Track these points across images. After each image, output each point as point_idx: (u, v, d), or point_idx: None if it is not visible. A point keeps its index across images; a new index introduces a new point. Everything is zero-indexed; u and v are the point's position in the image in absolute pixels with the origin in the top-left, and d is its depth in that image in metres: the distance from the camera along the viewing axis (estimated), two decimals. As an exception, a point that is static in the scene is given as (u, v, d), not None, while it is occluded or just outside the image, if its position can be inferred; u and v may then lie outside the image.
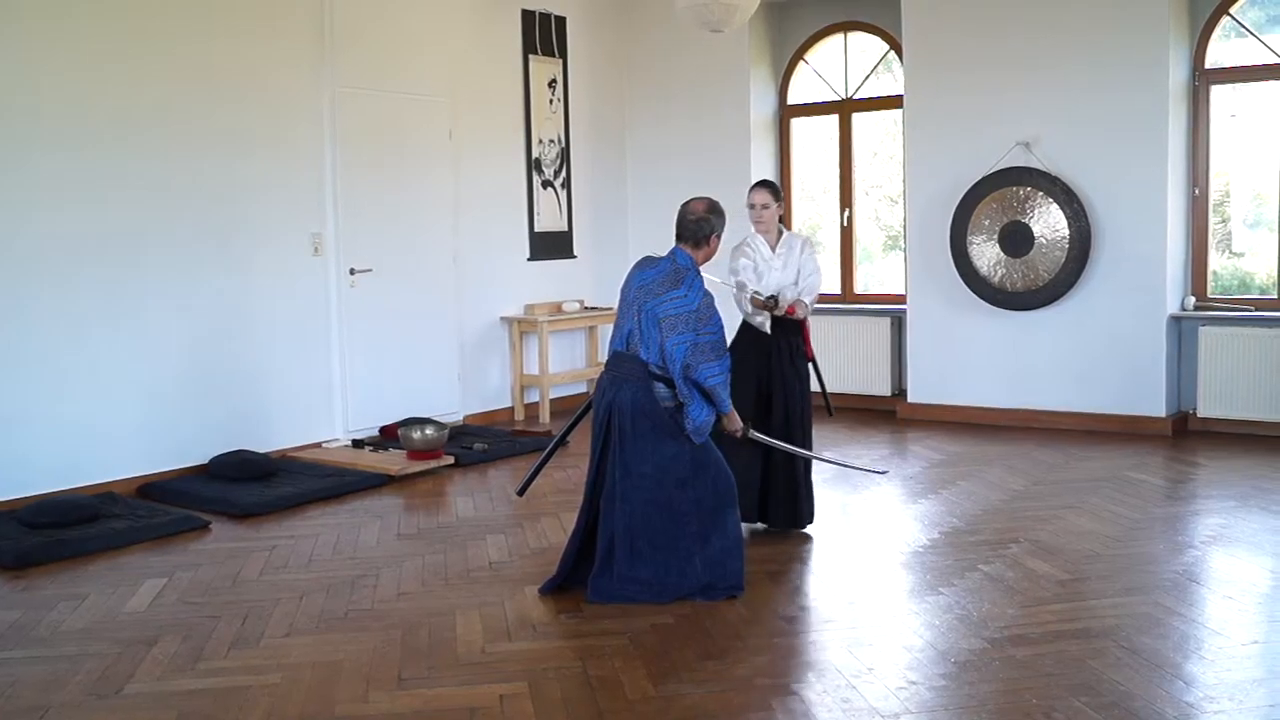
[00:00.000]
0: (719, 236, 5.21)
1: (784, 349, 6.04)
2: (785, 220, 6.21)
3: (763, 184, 6.19)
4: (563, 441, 5.66)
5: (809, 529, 6.13)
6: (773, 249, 6.11)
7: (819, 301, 6.50)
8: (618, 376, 5.09)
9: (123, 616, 5.03)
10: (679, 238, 5.21)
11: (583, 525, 5.21)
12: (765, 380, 6.02)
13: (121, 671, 4.38)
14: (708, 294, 5.04)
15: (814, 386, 6.22)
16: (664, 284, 5.03)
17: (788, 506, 6.05)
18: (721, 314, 5.10)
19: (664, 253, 5.26)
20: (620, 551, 5.03)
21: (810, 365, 6.22)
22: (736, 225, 6.04)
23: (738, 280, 6.06)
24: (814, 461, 6.23)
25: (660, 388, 5.02)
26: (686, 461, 5.04)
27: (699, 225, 5.18)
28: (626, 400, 5.03)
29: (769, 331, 6.03)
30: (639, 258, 5.41)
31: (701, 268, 5.22)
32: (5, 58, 6.65)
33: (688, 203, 5.27)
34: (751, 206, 6.14)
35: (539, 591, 5.19)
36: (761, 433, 5.79)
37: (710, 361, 4.95)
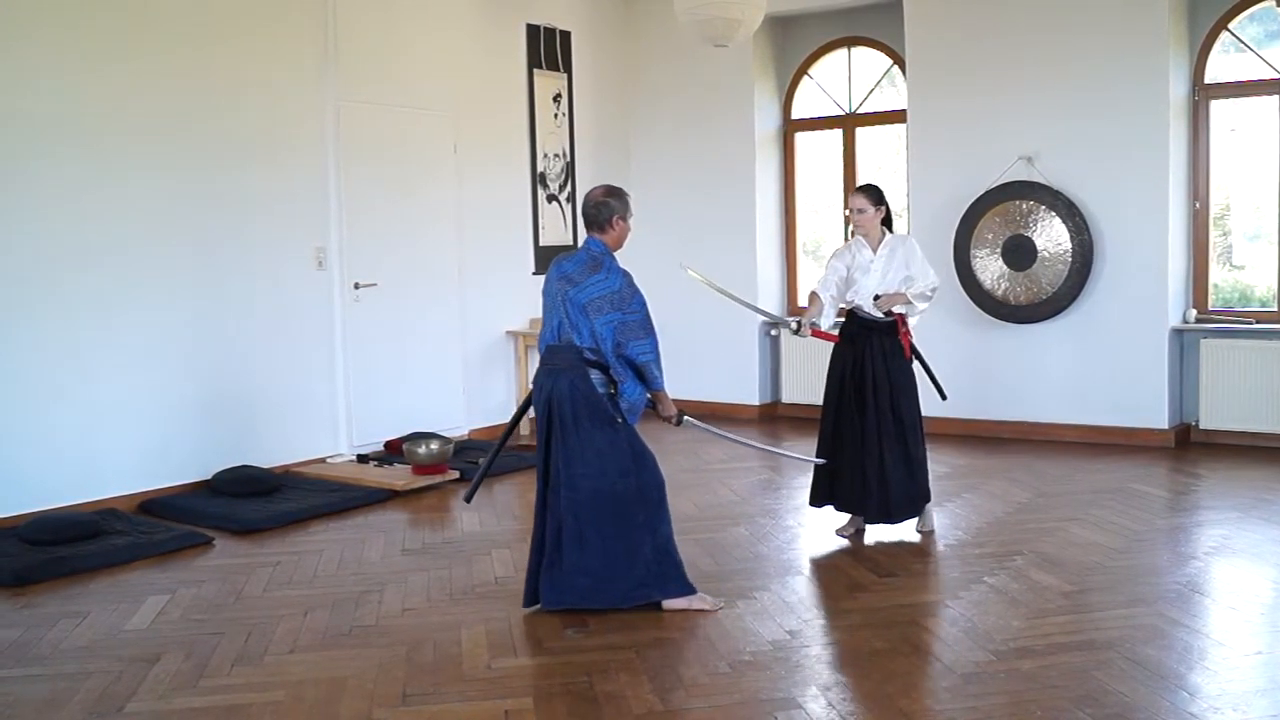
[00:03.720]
0: (623, 218, 5.20)
1: (877, 348, 6.15)
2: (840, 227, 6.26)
3: (860, 189, 6.32)
4: (504, 445, 5.54)
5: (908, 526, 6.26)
6: (874, 252, 6.21)
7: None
8: (554, 368, 5.10)
9: (124, 634, 5.02)
10: (587, 228, 5.24)
11: (540, 533, 5.19)
12: (857, 377, 6.17)
13: (123, 690, 4.38)
14: (627, 275, 5.08)
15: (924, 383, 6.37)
16: (584, 272, 5.06)
17: (878, 497, 6.13)
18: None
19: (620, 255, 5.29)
20: (568, 542, 5.06)
21: (916, 362, 6.35)
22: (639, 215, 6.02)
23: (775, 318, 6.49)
24: (924, 459, 6.30)
25: (595, 374, 5.04)
26: (626, 450, 5.08)
27: (598, 210, 5.17)
28: (564, 388, 5.05)
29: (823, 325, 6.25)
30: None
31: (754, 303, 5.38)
32: (8, 72, 6.68)
33: (588, 192, 5.27)
34: (850, 212, 6.30)
35: (524, 607, 5.17)
36: (857, 429, 6.04)
37: (639, 338, 5.01)
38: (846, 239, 6.38)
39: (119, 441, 7.17)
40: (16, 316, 6.71)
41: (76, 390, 6.96)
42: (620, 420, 5.08)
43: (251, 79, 7.85)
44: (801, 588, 5.46)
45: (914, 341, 6.34)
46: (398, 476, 7.75)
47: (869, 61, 10.11)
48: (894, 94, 9.97)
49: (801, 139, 10.52)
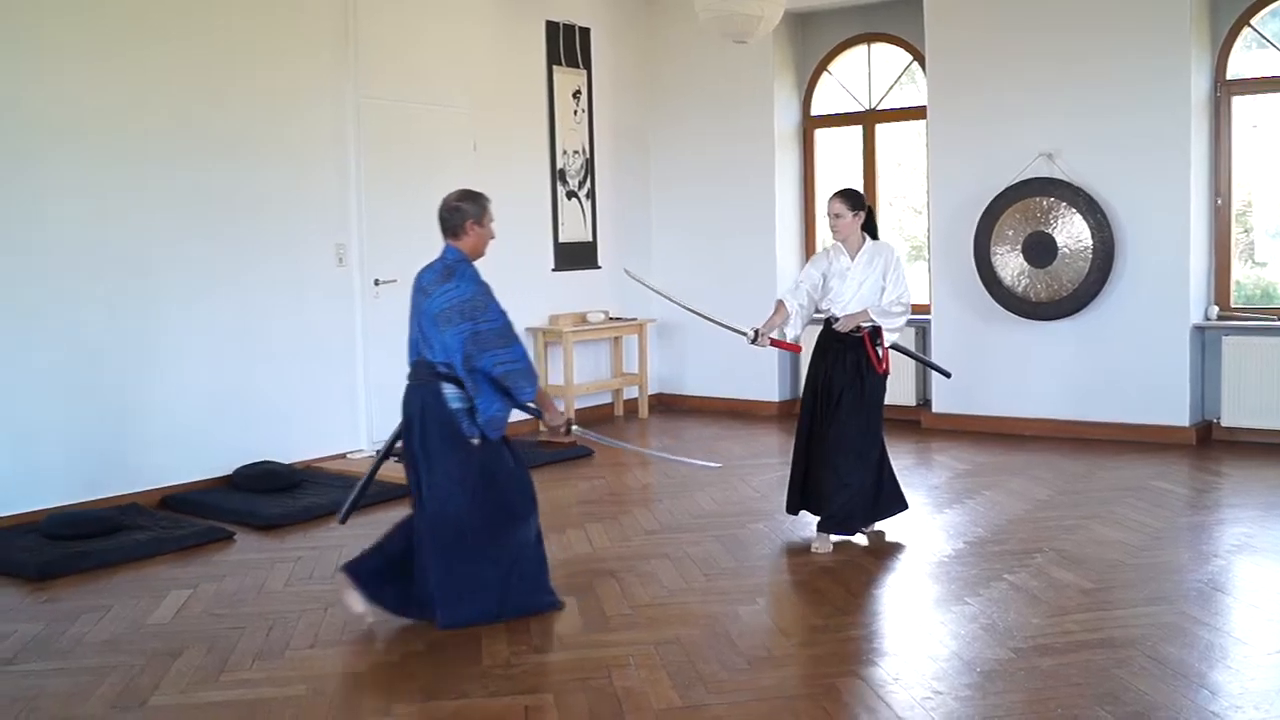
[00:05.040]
0: (478, 223, 5.03)
1: (850, 361, 6.03)
2: (862, 230, 6.10)
3: (838, 193, 6.15)
4: (382, 462, 5.39)
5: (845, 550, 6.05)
6: (852, 258, 6.08)
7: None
8: (412, 385, 5.00)
9: (146, 628, 5.05)
10: (442, 234, 5.08)
11: (402, 543, 5.07)
12: (826, 384, 6.06)
13: (145, 684, 4.40)
14: (482, 284, 4.92)
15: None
16: (436, 282, 4.92)
17: (832, 507, 6.02)
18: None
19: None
20: (416, 563, 4.95)
21: (910, 359, 6.25)
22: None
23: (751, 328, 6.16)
24: (876, 472, 6.14)
25: (449, 389, 4.88)
26: (475, 470, 4.90)
27: (450, 215, 5.03)
28: (416, 406, 4.94)
29: (798, 334, 6.15)
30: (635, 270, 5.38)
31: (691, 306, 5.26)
32: (30, 71, 6.72)
33: (445, 196, 5.11)
34: (828, 217, 6.16)
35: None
36: (821, 436, 5.95)
37: (496, 349, 4.82)
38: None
39: (141, 437, 7.21)
40: (39, 314, 6.75)
41: (98, 386, 7.00)
42: (478, 440, 4.89)
43: (272, 76, 7.88)
44: (822, 584, 5.45)
45: (888, 355, 6.17)
46: (418, 472, 7.76)
47: (889, 58, 10.09)
48: (914, 90, 9.95)
49: (821, 135, 10.50)
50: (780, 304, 6.17)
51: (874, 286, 6.03)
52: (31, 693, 4.34)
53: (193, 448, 7.45)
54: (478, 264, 5.08)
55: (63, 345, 6.85)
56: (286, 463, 7.80)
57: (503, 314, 4.91)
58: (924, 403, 9.64)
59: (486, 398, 4.86)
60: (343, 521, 5.38)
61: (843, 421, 6.01)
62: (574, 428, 5.31)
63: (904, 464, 7.97)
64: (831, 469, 6.01)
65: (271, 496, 7.19)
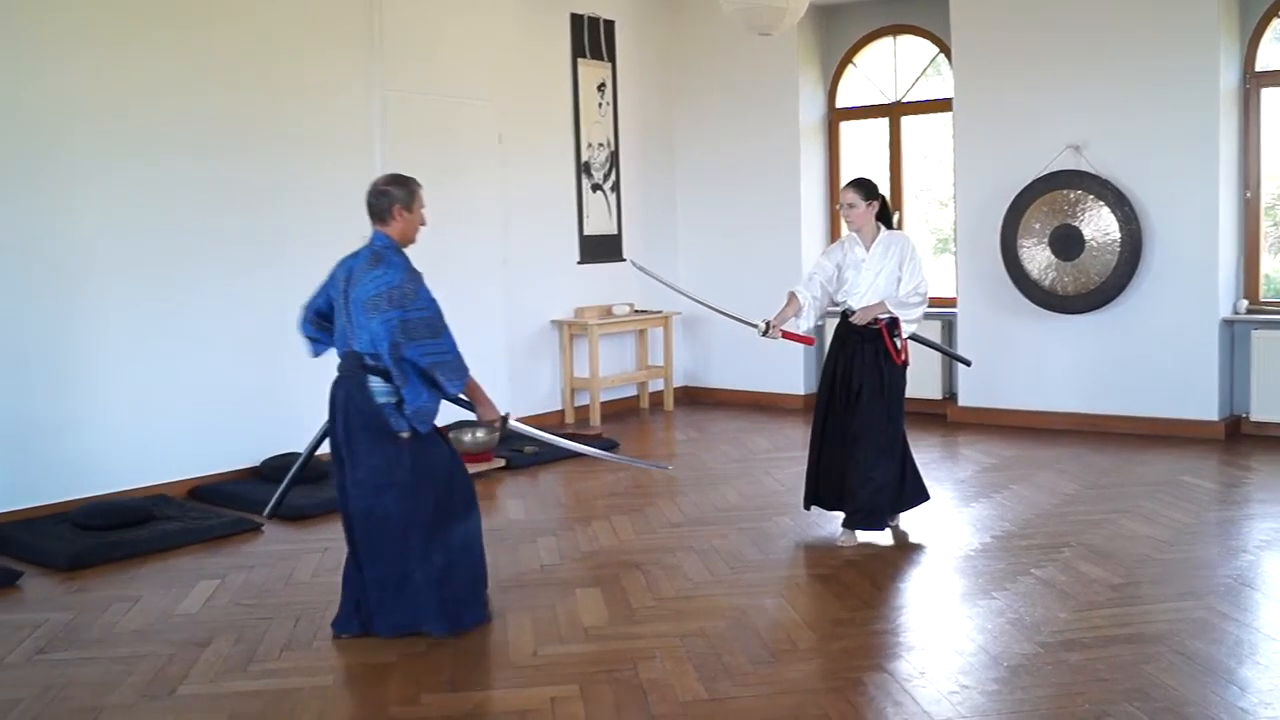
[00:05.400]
0: (406, 208, 4.80)
1: (869, 352, 5.98)
2: (881, 220, 6.06)
3: (851, 183, 6.08)
4: (310, 457, 5.26)
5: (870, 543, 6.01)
6: (867, 249, 6.01)
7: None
8: (339, 377, 4.80)
9: (176, 618, 5.09)
10: (370, 220, 4.87)
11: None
12: (845, 377, 6.01)
13: (174, 673, 4.44)
14: (412, 271, 4.71)
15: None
16: (364, 269, 4.70)
17: (857, 502, 5.98)
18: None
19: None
20: (351, 562, 4.81)
21: (929, 349, 6.23)
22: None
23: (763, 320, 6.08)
24: (899, 465, 6.09)
25: (376, 382, 4.67)
26: (405, 467, 4.69)
27: (377, 201, 4.81)
28: (341, 398, 4.75)
29: (811, 326, 6.13)
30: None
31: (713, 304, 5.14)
32: (56, 66, 6.76)
33: (373, 181, 4.92)
34: (840, 207, 6.10)
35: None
36: (841, 432, 5.89)
37: (425, 339, 4.61)
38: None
39: (170, 428, 7.25)
40: (69, 305, 6.80)
41: (129, 379, 7.04)
42: (407, 434, 4.67)
43: (298, 69, 7.90)
44: (847, 578, 5.44)
45: (907, 346, 6.11)
46: (443, 464, 7.78)
47: (915, 50, 10.06)
48: (940, 82, 9.91)
49: (847, 128, 10.47)
50: (792, 295, 6.11)
51: (890, 277, 5.97)
52: (62, 681, 4.38)
53: (221, 439, 7.49)
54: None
55: (94, 336, 6.89)
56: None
57: (433, 302, 4.70)
58: (950, 396, 9.61)
59: (414, 389, 4.64)
60: (269, 516, 5.29)
61: (863, 414, 5.97)
62: (510, 423, 5.07)
63: (930, 457, 7.97)
64: (854, 463, 5.98)
65: (299, 487, 7.18)
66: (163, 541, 6.19)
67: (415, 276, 4.71)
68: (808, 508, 6.25)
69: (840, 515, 6.13)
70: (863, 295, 5.99)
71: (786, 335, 6.17)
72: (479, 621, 4.84)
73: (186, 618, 5.09)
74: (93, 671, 4.47)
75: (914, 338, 6.21)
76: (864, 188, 6.01)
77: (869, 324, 5.98)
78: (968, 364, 6.78)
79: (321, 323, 4.99)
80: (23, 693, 4.28)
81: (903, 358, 6.06)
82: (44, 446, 6.72)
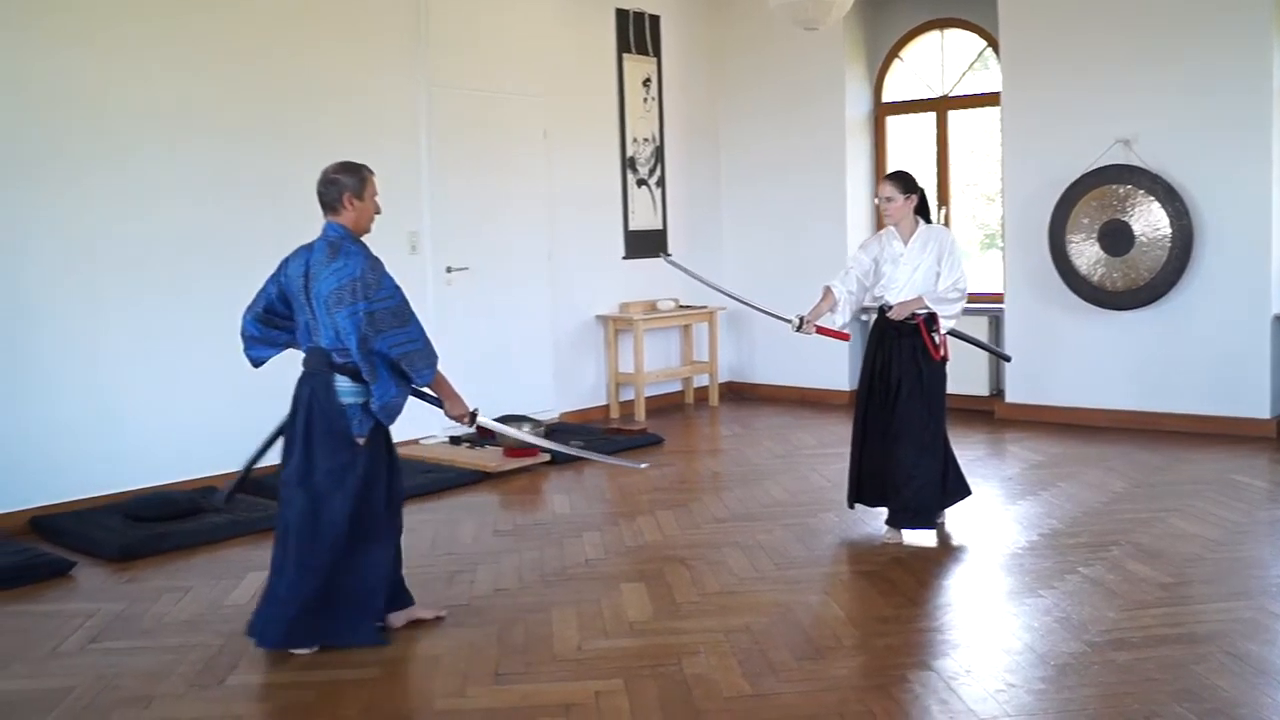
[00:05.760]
0: (357, 196, 4.63)
1: (906, 348, 5.91)
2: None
3: (889, 176, 6.02)
4: (265, 450, 4.98)
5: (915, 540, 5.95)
6: (905, 243, 5.94)
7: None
8: (304, 373, 4.65)
9: (225, 609, 5.14)
10: (322, 211, 4.71)
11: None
12: (883, 374, 5.96)
13: (224, 663, 4.48)
14: (373, 259, 4.54)
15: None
16: (324, 262, 4.53)
17: (900, 500, 5.93)
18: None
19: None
20: (274, 564, 4.61)
21: (969, 344, 6.15)
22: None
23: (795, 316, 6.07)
24: (942, 462, 6.01)
25: (343, 382, 4.53)
26: (358, 474, 4.55)
27: (326, 190, 4.64)
28: (305, 395, 4.59)
29: (846, 321, 6.07)
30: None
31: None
32: (108, 61, 6.85)
33: (323, 170, 4.74)
34: (878, 200, 6.04)
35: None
36: (881, 428, 5.82)
37: (394, 329, 4.46)
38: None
39: (219, 422, 7.31)
40: (121, 302, 6.88)
41: (179, 373, 7.12)
42: (364, 440, 4.55)
43: (344, 65, 7.96)
44: (893, 575, 5.42)
45: (946, 342, 6.02)
46: (489, 458, 7.83)
47: (962, 43, 9.99)
48: (987, 76, 9.84)
49: (893, 123, 10.42)
50: (828, 290, 6.05)
51: (928, 272, 5.89)
52: (114, 670, 4.44)
53: (267, 433, 7.52)
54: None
55: (144, 331, 6.97)
56: (360, 448, 7.87)
57: (397, 290, 4.54)
58: (997, 393, 9.54)
59: (384, 383, 4.49)
60: (225, 502, 5.15)
61: (903, 411, 5.91)
62: (480, 419, 4.90)
63: (976, 454, 7.92)
64: (896, 462, 5.92)
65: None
66: (212, 533, 6.26)
67: (376, 265, 4.54)
68: (852, 505, 6.22)
69: (883, 512, 6.10)
70: (901, 290, 5.93)
71: (820, 331, 6.12)
72: (376, 641, 4.61)
73: (236, 609, 5.13)
74: (144, 661, 4.53)
75: (953, 333, 6.15)
76: (902, 181, 5.95)
77: (906, 319, 5.92)
78: (1007, 359, 6.70)
79: (271, 318, 4.79)
80: (75, 681, 4.34)
81: (941, 354, 5.99)
82: (95, 439, 6.81)
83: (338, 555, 4.53)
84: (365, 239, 4.70)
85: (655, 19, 10.22)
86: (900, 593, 5.17)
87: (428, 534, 6.29)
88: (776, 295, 10.15)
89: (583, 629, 4.75)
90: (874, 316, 6.15)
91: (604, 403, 9.90)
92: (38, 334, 6.62)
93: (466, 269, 8.69)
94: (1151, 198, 8.42)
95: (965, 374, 9.46)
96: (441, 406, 4.79)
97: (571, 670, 4.32)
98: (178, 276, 7.13)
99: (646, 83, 10.19)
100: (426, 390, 4.73)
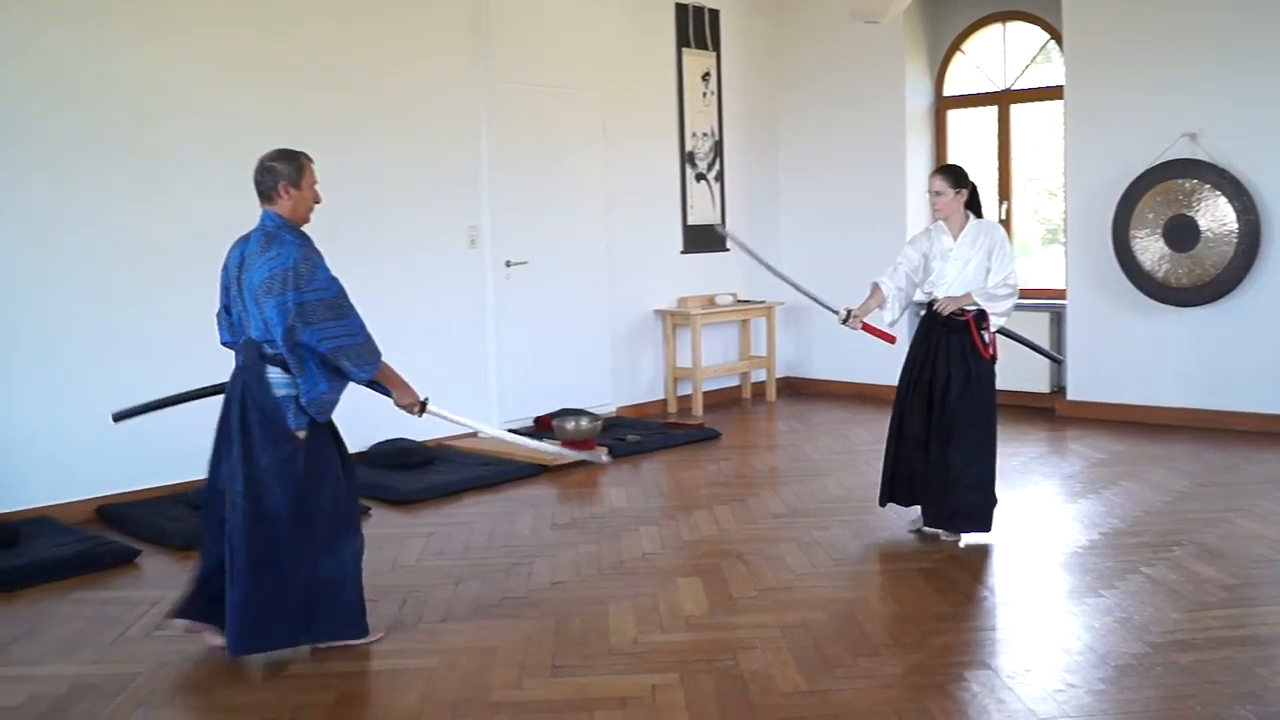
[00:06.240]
0: (294, 185, 4.46)
1: (955, 346, 5.80)
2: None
3: (940, 169, 5.92)
4: (187, 399, 4.99)
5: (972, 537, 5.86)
6: (955, 238, 5.85)
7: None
8: (237, 367, 4.50)
9: (288, 598, 5.21)
10: (259, 200, 4.53)
11: (214, 556, 4.53)
12: (929, 374, 5.83)
13: (286, 652, 4.52)
14: (308, 249, 4.40)
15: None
16: (257, 252, 4.39)
17: (938, 504, 5.85)
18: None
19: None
20: (226, 572, 4.41)
21: (1018, 343, 6.01)
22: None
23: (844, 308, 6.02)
24: (994, 463, 5.90)
25: (275, 374, 4.38)
26: (298, 469, 4.40)
27: (262, 178, 4.47)
28: (237, 390, 4.43)
29: (896, 319, 5.99)
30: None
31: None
32: (174, 59, 6.95)
33: (260, 158, 4.55)
34: (929, 194, 5.96)
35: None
36: (921, 427, 5.75)
37: (326, 320, 4.32)
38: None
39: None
40: (181, 295, 6.96)
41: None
42: (305, 433, 4.41)
43: (406, 63, 8.02)
44: (951, 572, 5.38)
45: (996, 340, 5.91)
46: (548, 453, 7.85)
47: (1025, 36, 9.89)
48: (1050, 70, 9.73)
49: (954, 117, 10.34)
50: (876, 286, 5.97)
51: (979, 267, 5.78)
52: (177, 657, 4.52)
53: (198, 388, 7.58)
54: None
55: (204, 322, 7.05)
56: (420, 440, 7.95)
57: (334, 282, 4.41)
58: (1058, 390, 9.44)
59: (311, 377, 4.36)
60: (116, 419, 4.99)
61: (953, 412, 5.77)
62: (430, 408, 4.79)
63: (1037, 452, 7.86)
64: (946, 463, 5.77)
65: (405, 472, 7.35)
66: (273, 523, 6.33)
67: (311, 255, 4.38)
68: (883, 504, 6.09)
69: (912, 508, 6.04)
70: (950, 286, 5.82)
71: (866, 328, 6.04)
72: (360, 635, 4.56)
73: (296, 598, 5.20)
74: (206, 648, 4.58)
75: (1002, 331, 6.05)
76: (952, 175, 5.85)
77: (956, 315, 5.81)
78: (1059, 361, 6.52)
79: (228, 315, 4.66)
80: (140, 667, 4.42)
81: (991, 352, 5.87)
82: (158, 431, 6.88)
83: (289, 552, 4.38)
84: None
85: (715, 14, 10.20)
86: (958, 590, 5.14)
87: (486, 526, 6.33)
88: (834, 291, 10.05)
89: (639, 623, 4.76)
90: (921, 311, 6.05)
91: (661, 397, 9.90)
92: (98, 326, 6.73)
93: (525, 263, 8.72)
94: (1218, 192, 8.30)
95: (1025, 371, 9.37)
96: (390, 396, 4.70)
97: (628, 664, 4.33)
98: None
99: (706, 77, 10.17)
100: (374, 382, 4.62)
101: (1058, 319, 9.41)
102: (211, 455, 4.55)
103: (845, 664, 4.28)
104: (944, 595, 5.07)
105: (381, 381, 4.62)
